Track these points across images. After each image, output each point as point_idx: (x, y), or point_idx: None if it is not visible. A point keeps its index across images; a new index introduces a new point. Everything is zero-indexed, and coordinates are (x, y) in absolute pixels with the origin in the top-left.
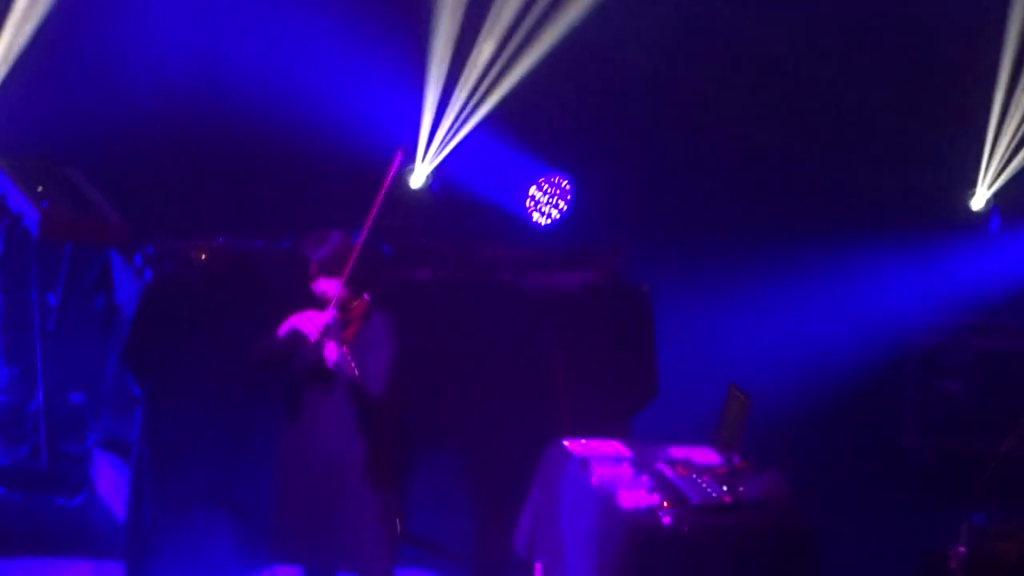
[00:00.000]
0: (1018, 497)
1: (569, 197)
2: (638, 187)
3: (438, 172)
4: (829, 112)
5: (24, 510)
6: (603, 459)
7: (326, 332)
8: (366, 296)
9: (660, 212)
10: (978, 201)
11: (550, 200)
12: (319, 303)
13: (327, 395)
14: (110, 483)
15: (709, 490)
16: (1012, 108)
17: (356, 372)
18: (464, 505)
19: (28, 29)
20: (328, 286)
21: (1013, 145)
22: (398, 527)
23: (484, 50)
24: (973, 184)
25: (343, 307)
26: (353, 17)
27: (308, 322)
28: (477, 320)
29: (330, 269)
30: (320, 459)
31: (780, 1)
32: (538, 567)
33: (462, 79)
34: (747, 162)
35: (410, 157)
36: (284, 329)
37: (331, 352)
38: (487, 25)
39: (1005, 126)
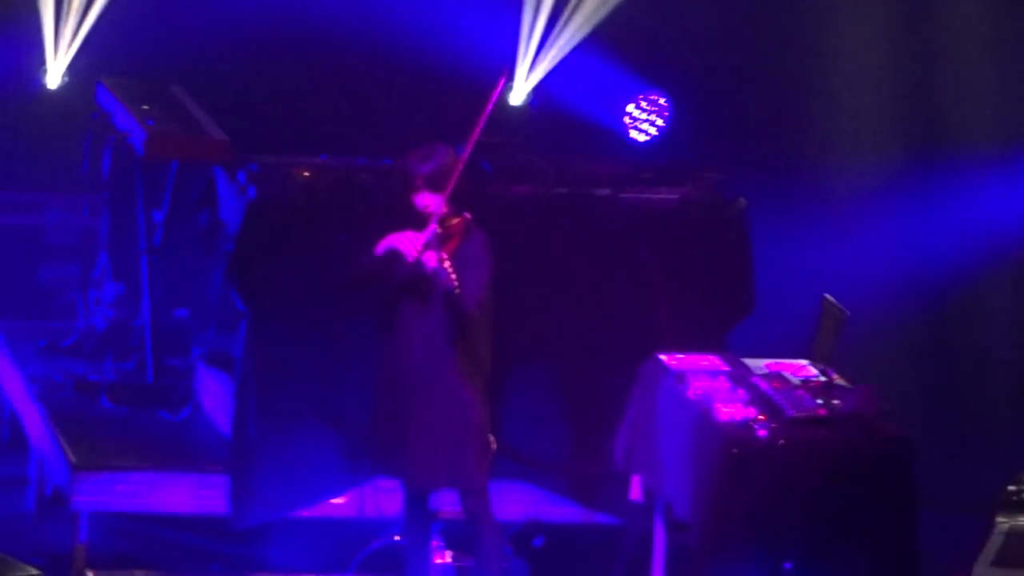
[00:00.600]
0: None
1: (667, 114)
2: (735, 105)
3: (538, 89)
4: (922, 37)
5: (130, 424)
6: (699, 373)
7: (427, 244)
8: (466, 215)
9: (756, 130)
10: None
11: (648, 117)
12: (419, 220)
13: (422, 313)
14: (214, 398)
15: (804, 403)
16: None
17: (455, 282)
18: (560, 419)
19: None
20: (431, 200)
21: None
22: (492, 442)
23: None
24: None
25: (443, 222)
26: None
27: (407, 242)
28: (575, 235)
29: (435, 184)
30: (413, 375)
31: None
32: (636, 480)
33: None
34: (843, 81)
35: (511, 76)
36: (382, 247)
37: (430, 260)
38: None
39: None
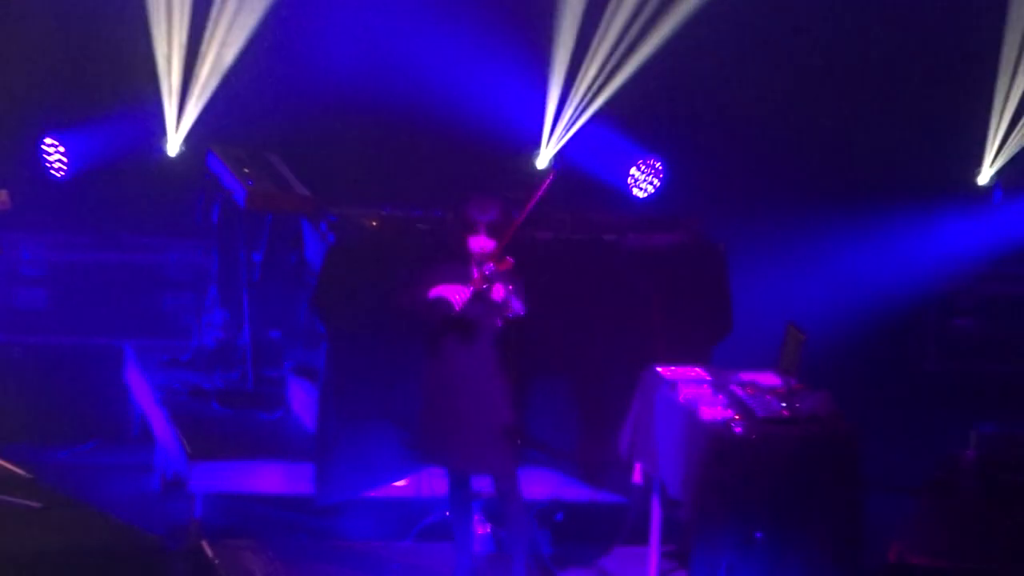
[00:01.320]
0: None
1: (661, 175)
2: (715, 168)
3: (559, 155)
4: (870, 108)
5: (234, 422)
6: (688, 381)
7: (491, 278)
8: (510, 259)
9: (733, 187)
10: (984, 177)
11: (647, 177)
12: (465, 259)
13: (464, 337)
14: (301, 401)
15: (772, 406)
16: (1010, 99)
17: (522, 308)
18: (576, 418)
19: (235, 49)
20: (488, 244)
21: (1011, 130)
22: (519, 437)
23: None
24: (980, 164)
25: (497, 263)
26: (490, 26)
27: (455, 294)
28: (588, 272)
29: (495, 231)
30: (457, 384)
31: (820, 18)
32: (638, 466)
33: (578, 80)
34: (803, 149)
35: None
36: (433, 294)
37: (498, 293)
38: (598, 36)
39: (1004, 115)
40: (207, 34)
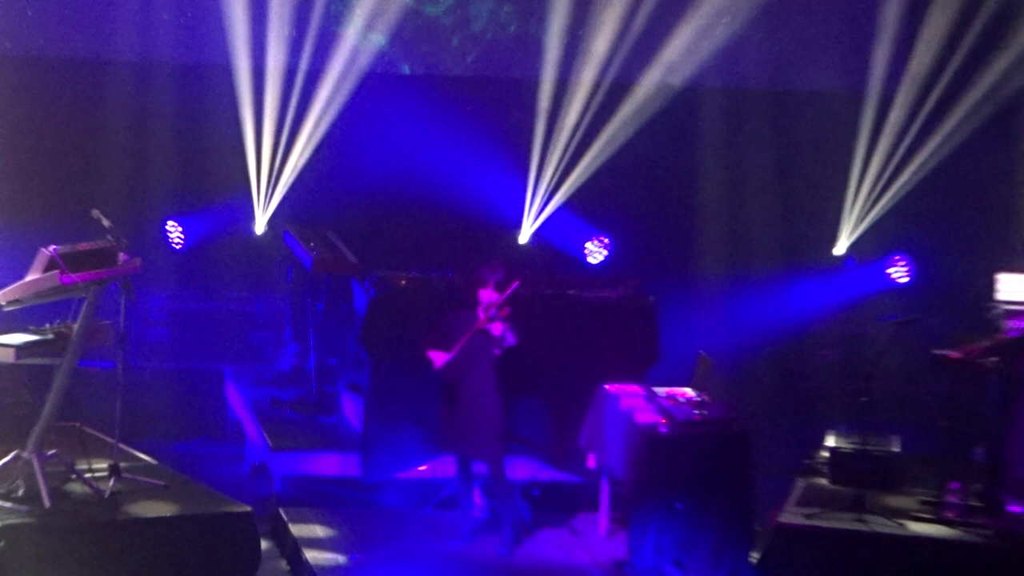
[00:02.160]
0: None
1: (609, 247)
2: (648, 242)
3: (535, 233)
4: (759, 199)
5: (303, 424)
6: (628, 395)
7: (493, 319)
8: (508, 307)
9: (660, 256)
10: (838, 249)
11: (598, 249)
12: (473, 305)
13: (469, 362)
14: (351, 409)
15: (688, 413)
16: (860, 193)
17: (515, 338)
18: (548, 421)
19: (304, 156)
20: (493, 296)
21: (860, 212)
22: (507, 434)
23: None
24: (836, 240)
25: (500, 309)
26: (485, 140)
27: (437, 358)
28: (557, 316)
29: (500, 287)
30: (462, 395)
31: (721, 130)
32: (592, 456)
33: (548, 179)
34: (712, 228)
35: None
36: (430, 353)
37: (497, 328)
38: (555, 141)
39: (855, 206)
40: (283, 146)
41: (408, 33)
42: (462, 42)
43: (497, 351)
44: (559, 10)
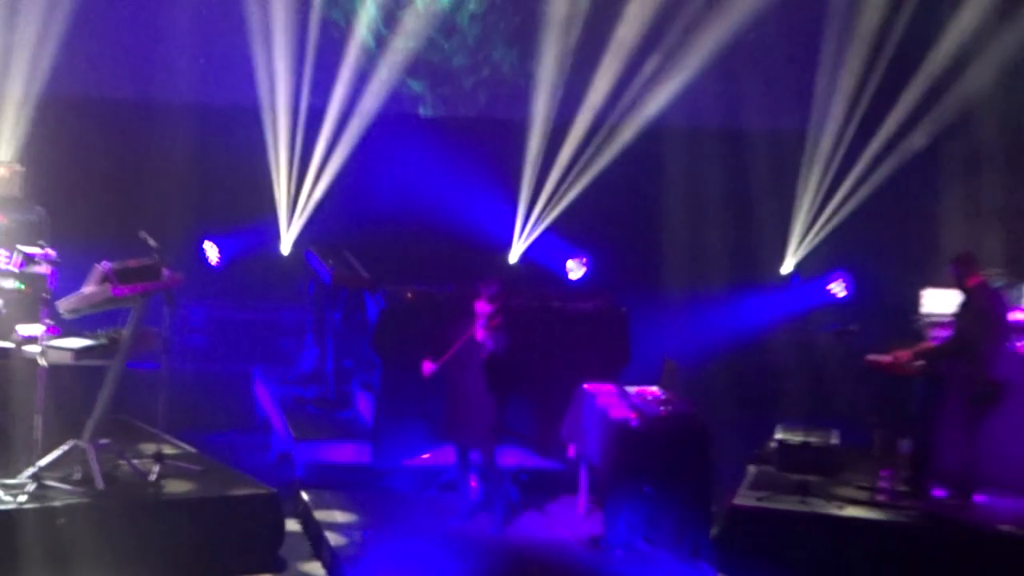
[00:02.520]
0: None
1: (587, 265)
2: (621, 261)
3: (524, 253)
4: (712, 223)
5: (322, 418)
6: (603, 393)
7: (487, 327)
8: (499, 318)
9: (632, 273)
10: (785, 268)
11: (577, 266)
12: (471, 315)
13: (466, 362)
14: (364, 405)
15: (655, 409)
16: (804, 214)
17: (496, 344)
18: (535, 415)
19: (324, 184)
20: (487, 307)
21: (803, 235)
22: (499, 427)
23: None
24: (784, 258)
25: (491, 319)
26: (480, 171)
27: (426, 367)
28: (542, 325)
29: (494, 300)
30: (461, 392)
31: (690, 161)
32: (572, 446)
33: (535, 204)
34: (677, 249)
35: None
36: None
37: (481, 335)
38: (541, 174)
39: (797, 229)
40: (307, 177)
41: (428, 76)
42: (474, 86)
43: (482, 355)
44: (550, 54)
